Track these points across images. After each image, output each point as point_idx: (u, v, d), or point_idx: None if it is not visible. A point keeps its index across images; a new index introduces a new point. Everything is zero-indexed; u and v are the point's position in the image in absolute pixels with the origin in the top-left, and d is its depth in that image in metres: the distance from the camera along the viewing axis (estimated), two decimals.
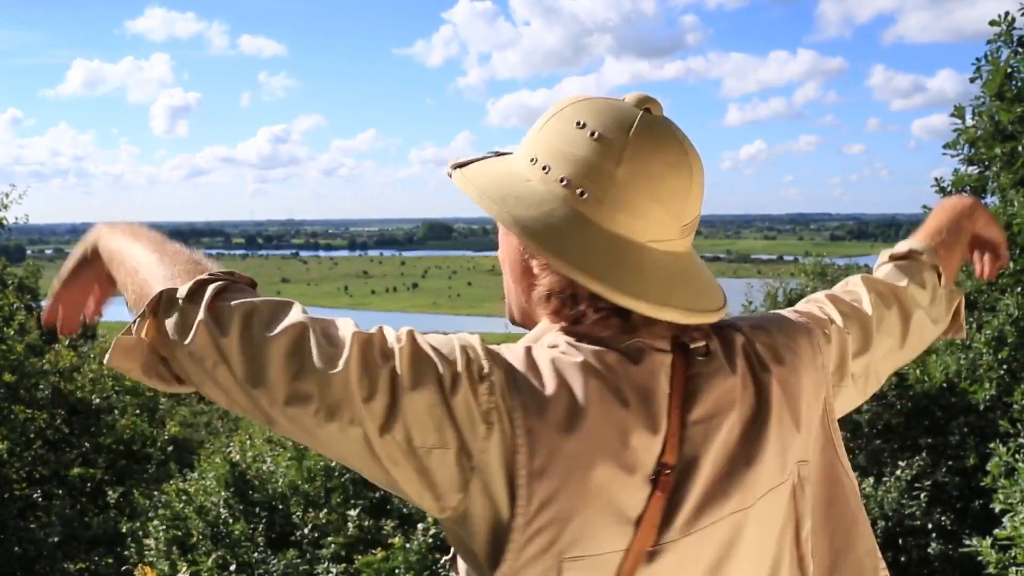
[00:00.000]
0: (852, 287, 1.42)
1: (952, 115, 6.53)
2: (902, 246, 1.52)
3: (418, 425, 1.00)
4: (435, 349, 1.03)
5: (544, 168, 1.11)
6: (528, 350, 1.08)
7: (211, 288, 1.05)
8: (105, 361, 1.12)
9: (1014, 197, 6.23)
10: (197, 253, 1.18)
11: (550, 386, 1.03)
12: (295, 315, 1.05)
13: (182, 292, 1.05)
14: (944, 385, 7.45)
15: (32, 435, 7.44)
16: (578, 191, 1.08)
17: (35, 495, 7.17)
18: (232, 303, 1.04)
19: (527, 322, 1.22)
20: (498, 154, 1.20)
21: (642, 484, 1.04)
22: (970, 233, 1.62)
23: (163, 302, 1.06)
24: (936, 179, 6.94)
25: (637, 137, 1.09)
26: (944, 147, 6.63)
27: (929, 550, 7.83)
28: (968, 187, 6.71)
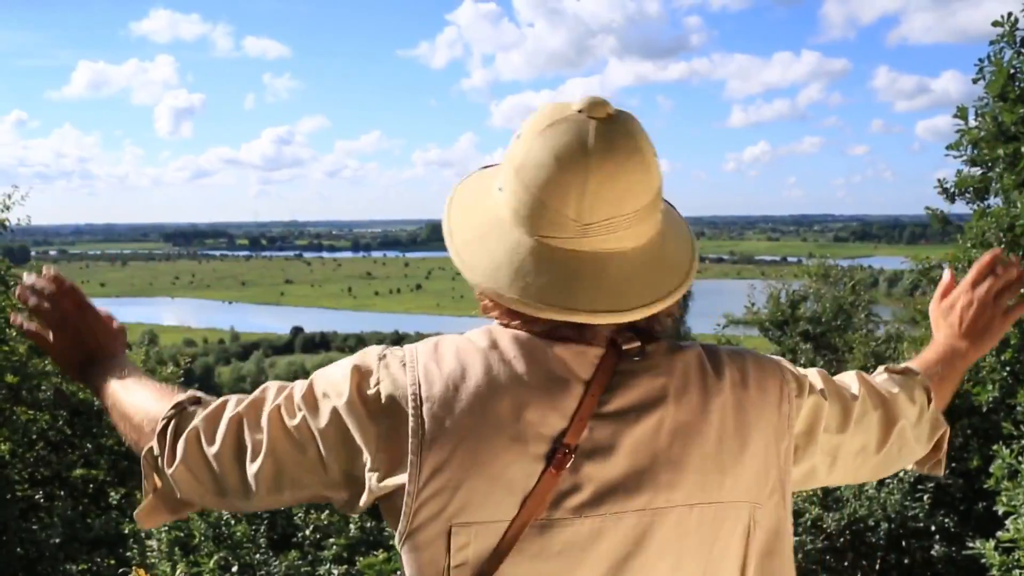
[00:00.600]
0: (845, 376, 1.41)
1: (955, 116, 6.50)
2: (899, 365, 1.49)
3: (336, 449, 1.13)
4: (329, 383, 1.15)
5: (498, 188, 1.21)
6: (441, 338, 1.18)
7: (168, 433, 1.22)
8: (142, 527, 1.34)
9: (1017, 198, 6.21)
10: (158, 388, 1.34)
11: (446, 367, 1.12)
12: (227, 416, 1.19)
13: (155, 450, 1.23)
14: None
15: (34, 436, 7.44)
16: (497, 187, 1.20)
17: (37, 496, 7.18)
18: (179, 441, 1.20)
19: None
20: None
21: (535, 459, 1.09)
22: (963, 371, 1.57)
23: (148, 464, 1.24)
24: (939, 180, 6.92)
25: (542, 132, 1.13)
26: (947, 148, 6.61)
27: (932, 552, 7.82)
28: (971, 188, 6.69)
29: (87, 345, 1.43)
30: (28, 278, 1.44)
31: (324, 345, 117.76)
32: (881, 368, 1.50)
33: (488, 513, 1.08)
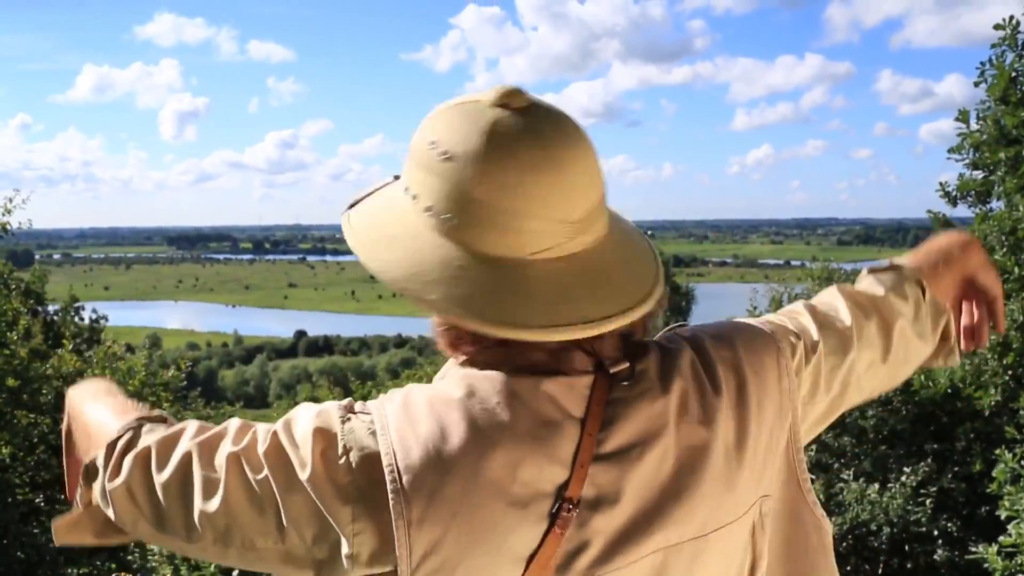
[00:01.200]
0: (828, 298, 1.31)
1: (956, 119, 6.50)
2: (882, 263, 1.39)
3: (301, 522, 0.98)
4: (293, 445, 0.99)
5: (414, 197, 1.03)
6: (408, 392, 1.02)
7: (118, 447, 1.09)
8: (56, 541, 1.18)
9: (1019, 202, 6.20)
10: (125, 402, 1.22)
11: (423, 429, 0.97)
12: (183, 443, 1.05)
13: (100, 460, 1.10)
14: (949, 391, 7.41)
15: (35, 440, 7.44)
16: (443, 217, 0.99)
17: (38, 500, 7.16)
18: (127, 457, 1.07)
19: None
20: (397, 177, 1.11)
21: (537, 520, 0.97)
22: (962, 269, 1.42)
23: (88, 474, 1.11)
24: (941, 184, 6.91)
25: (488, 146, 0.98)
26: (948, 151, 6.60)
27: (935, 557, 7.78)
28: (973, 192, 6.68)
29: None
30: None
31: (328, 349, 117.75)
32: (864, 270, 1.38)
33: None
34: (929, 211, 7.39)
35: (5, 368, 7.04)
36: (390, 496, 0.93)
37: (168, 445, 1.05)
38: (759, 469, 1.09)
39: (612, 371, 1.02)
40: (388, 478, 0.94)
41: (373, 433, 0.97)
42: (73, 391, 1.29)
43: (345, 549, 0.96)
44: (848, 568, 8.61)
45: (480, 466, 0.94)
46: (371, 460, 0.96)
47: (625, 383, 1.03)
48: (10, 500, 6.73)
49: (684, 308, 24.61)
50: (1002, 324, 1.44)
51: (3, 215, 8.67)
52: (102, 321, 14.11)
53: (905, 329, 1.30)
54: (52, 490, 7.16)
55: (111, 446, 1.09)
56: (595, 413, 1.00)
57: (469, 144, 0.98)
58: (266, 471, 0.99)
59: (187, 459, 1.02)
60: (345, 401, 1.04)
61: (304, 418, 1.01)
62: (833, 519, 7.97)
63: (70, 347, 8.37)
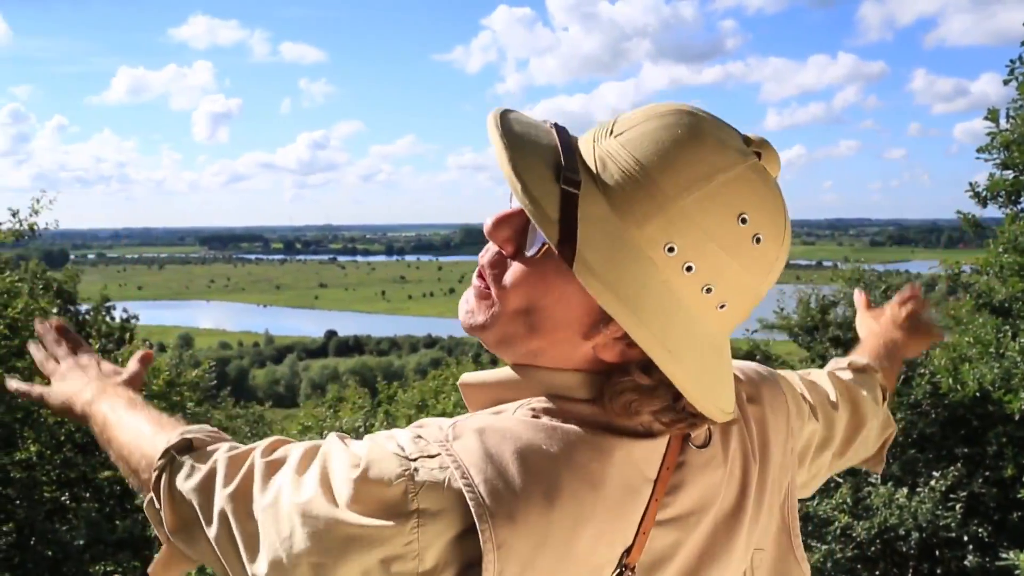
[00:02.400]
0: (816, 378, 1.35)
1: (986, 118, 6.40)
2: (859, 358, 1.46)
3: None
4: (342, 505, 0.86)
5: (686, 267, 0.88)
6: (484, 433, 0.90)
7: (163, 490, 1.05)
8: None
9: None
10: (152, 420, 1.17)
11: (518, 481, 0.86)
12: (219, 496, 0.98)
13: (157, 504, 1.07)
14: (978, 394, 7.29)
15: (61, 439, 7.51)
16: (719, 306, 0.91)
17: (63, 498, 7.23)
18: (175, 502, 1.04)
19: (519, 360, 1.00)
20: (556, 126, 0.95)
21: None
22: (900, 365, 1.57)
23: (153, 517, 1.09)
24: (971, 184, 6.82)
25: (787, 238, 0.93)
26: (978, 151, 6.50)
27: (966, 562, 7.68)
28: (1003, 192, 6.57)
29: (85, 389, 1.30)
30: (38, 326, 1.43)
31: (358, 348, 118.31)
32: (844, 362, 1.44)
33: None
34: (959, 212, 7.29)
35: (32, 367, 7.12)
36: (484, 563, 0.84)
37: (207, 494, 1.00)
38: (762, 525, 1.09)
39: (693, 434, 1.00)
40: (485, 547, 0.83)
41: (450, 485, 0.85)
42: (95, 422, 1.25)
43: None
44: (877, 573, 8.51)
45: (572, 540, 0.88)
46: (450, 519, 0.85)
47: (698, 447, 1.00)
48: (36, 498, 6.80)
49: None
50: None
51: (31, 216, 8.77)
52: (133, 321, 14.24)
53: (868, 434, 1.39)
54: (77, 488, 7.23)
55: (156, 487, 1.06)
56: (664, 477, 0.95)
57: (777, 227, 0.92)
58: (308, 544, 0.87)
59: (226, 517, 0.96)
60: (400, 441, 0.90)
61: (343, 474, 0.88)
62: (861, 523, 7.87)
63: (97, 347, 8.46)
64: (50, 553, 6.41)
